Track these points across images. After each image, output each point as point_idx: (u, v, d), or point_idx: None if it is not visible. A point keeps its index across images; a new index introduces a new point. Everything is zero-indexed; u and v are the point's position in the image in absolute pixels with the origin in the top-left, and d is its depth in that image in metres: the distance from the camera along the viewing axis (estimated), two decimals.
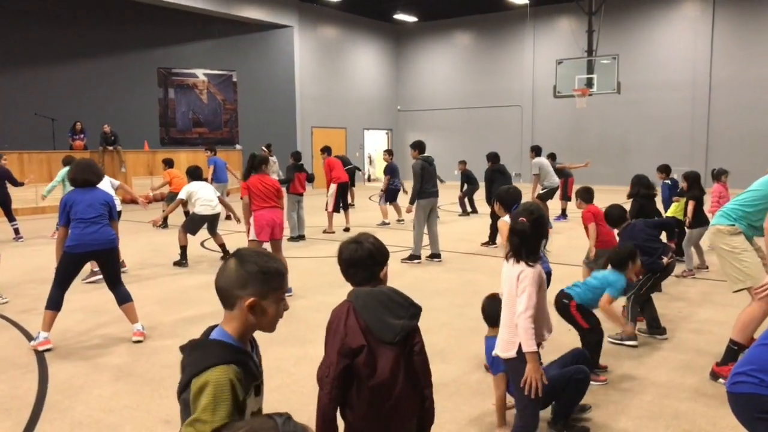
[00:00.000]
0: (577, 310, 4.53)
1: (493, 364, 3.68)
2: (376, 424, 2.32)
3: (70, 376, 4.63)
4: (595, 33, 18.58)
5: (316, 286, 7.28)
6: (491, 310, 3.89)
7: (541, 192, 11.68)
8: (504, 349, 3.10)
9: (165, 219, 11.84)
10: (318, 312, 6.17)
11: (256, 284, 1.83)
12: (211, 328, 1.91)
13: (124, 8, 19.28)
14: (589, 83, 18.02)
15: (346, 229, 11.80)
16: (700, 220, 7.78)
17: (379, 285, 2.44)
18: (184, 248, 8.78)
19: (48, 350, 5.14)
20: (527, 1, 21.16)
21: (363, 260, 2.43)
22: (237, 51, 21.65)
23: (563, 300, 4.57)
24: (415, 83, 26.23)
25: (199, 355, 1.78)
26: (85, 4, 19.47)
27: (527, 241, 3.07)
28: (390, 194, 12.90)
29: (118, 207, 7.98)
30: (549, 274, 4.79)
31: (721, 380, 4.32)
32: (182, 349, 1.86)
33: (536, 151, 12.15)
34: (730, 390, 2.38)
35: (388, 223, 12.79)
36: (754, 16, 19.27)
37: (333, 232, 11.66)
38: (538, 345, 3.08)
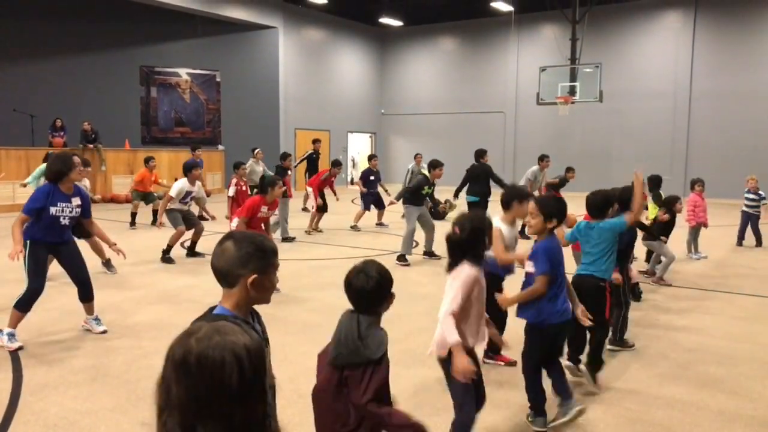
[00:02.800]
0: (610, 294, 4.44)
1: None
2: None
3: (44, 376, 4.56)
4: (579, 41, 18.73)
5: (293, 289, 7.24)
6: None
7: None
8: (438, 349, 3.17)
9: (134, 217, 12.18)
10: (299, 315, 6.15)
11: (256, 262, 1.99)
12: (211, 309, 2.04)
13: (108, 4, 19.11)
14: (572, 91, 18.14)
15: (318, 230, 12.19)
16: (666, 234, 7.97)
17: (380, 310, 2.53)
18: (181, 243, 9.20)
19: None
20: (512, 8, 21.29)
21: (373, 292, 2.50)
22: (221, 51, 21.52)
23: (599, 283, 4.34)
24: (400, 87, 26.26)
25: None
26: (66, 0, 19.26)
27: (460, 249, 3.19)
28: (366, 200, 12.97)
29: None
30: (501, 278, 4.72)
31: None
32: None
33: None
34: None
35: (387, 225, 12.99)
36: (735, 28, 19.58)
37: (315, 229, 12.06)
38: (468, 350, 3.16)
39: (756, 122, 19.26)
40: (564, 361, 4.31)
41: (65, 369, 4.70)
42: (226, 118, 21.82)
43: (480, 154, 10.80)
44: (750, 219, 10.94)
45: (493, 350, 4.76)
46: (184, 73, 21.32)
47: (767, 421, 3.96)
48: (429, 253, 9.46)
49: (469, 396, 3.19)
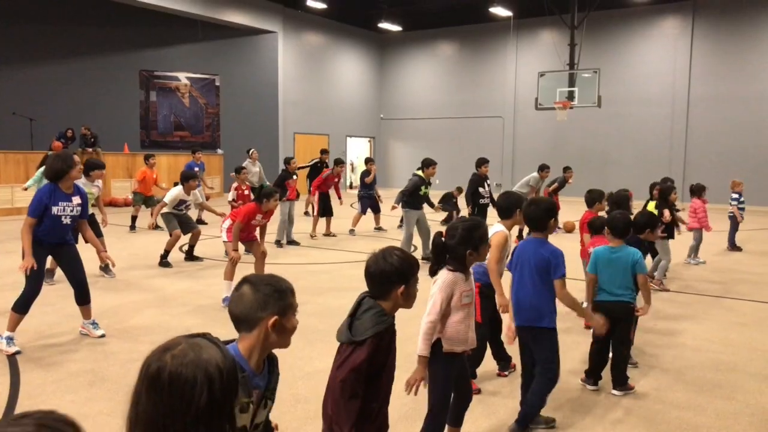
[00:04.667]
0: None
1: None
2: None
3: (42, 380, 4.55)
4: (577, 47, 18.78)
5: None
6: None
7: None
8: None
9: (134, 220, 12.29)
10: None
11: (274, 304, 1.95)
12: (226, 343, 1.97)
13: (107, 8, 19.12)
14: (571, 96, 18.17)
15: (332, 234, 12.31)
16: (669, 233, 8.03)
17: (396, 303, 2.48)
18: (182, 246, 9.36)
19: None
20: (510, 14, 21.34)
21: (377, 276, 2.46)
22: (220, 55, 21.56)
23: (630, 305, 4.43)
24: (399, 92, 26.30)
25: None
26: (66, 3, 19.29)
27: (444, 255, 3.20)
28: (363, 203, 13.01)
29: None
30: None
31: None
32: None
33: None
34: None
35: (385, 230, 13.03)
36: (732, 34, 19.64)
37: (328, 234, 12.23)
38: (451, 353, 3.17)
39: (753, 127, 19.31)
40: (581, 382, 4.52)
41: (63, 373, 4.70)
42: (226, 122, 21.85)
43: (476, 163, 10.22)
44: (735, 221, 11.08)
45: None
46: (183, 77, 21.35)
47: (765, 426, 3.97)
48: (427, 258, 9.46)
49: (444, 403, 3.22)
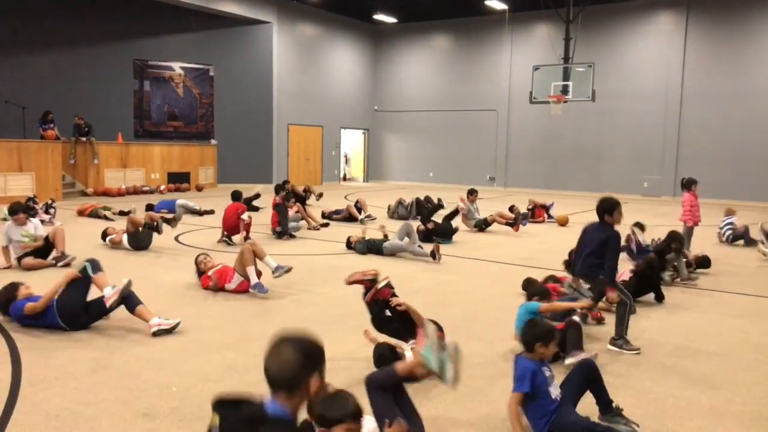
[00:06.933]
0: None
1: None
2: None
3: (44, 368, 4.58)
4: (572, 41, 18.82)
5: (287, 284, 7.29)
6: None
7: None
8: None
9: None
10: (296, 309, 6.18)
11: (318, 363, 2.03)
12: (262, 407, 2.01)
13: None
14: (565, 90, 18.23)
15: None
16: None
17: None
18: None
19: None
20: (506, 7, 21.36)
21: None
22: (215, 45, 21.47)
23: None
24: (393, 84, 26.27)
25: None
26: None
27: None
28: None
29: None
30: None
31: None
32: (228, 416, 1.99)
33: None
34: None
35: (375, 218, 13.10)
36: (726, 30, 19.73)
37: (322, 225, 12.25)
38: None
39: (746, 123, 19.44)
40: None
41: (66, 361, 4.73)
42: (220, 112, 21.79)
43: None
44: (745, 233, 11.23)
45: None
46: (177, 66, 21.26)
47: (757, 416, 4.06)
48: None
49: None
